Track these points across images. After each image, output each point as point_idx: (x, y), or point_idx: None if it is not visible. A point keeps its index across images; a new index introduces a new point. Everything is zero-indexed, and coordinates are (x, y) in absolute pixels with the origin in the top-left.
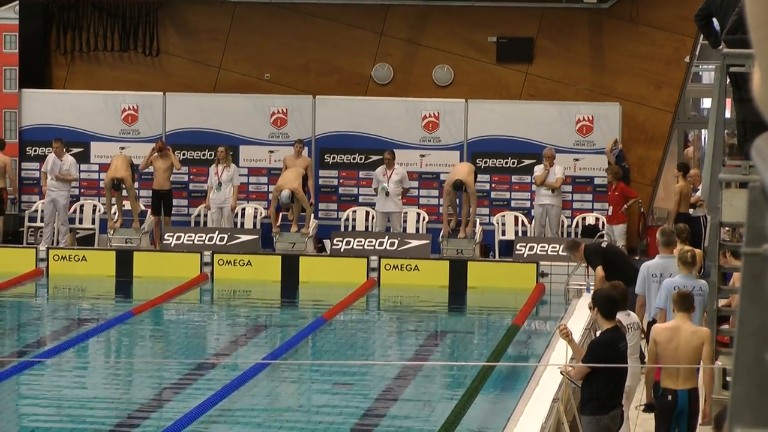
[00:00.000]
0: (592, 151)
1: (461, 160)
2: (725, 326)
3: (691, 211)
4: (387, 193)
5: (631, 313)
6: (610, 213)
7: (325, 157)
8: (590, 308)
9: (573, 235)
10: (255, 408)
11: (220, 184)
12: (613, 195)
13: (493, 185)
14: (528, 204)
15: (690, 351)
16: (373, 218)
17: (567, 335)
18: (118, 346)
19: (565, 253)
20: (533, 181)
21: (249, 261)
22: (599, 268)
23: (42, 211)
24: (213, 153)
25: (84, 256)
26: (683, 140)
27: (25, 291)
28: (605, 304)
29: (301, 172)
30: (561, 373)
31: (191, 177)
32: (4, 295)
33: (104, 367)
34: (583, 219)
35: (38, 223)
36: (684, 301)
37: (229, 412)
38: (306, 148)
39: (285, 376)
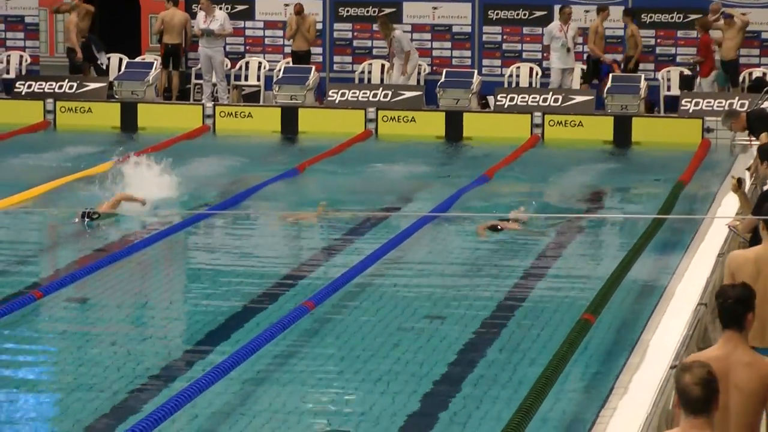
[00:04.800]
0: (760, 6)
1: (626, 15)
2: None
3: None
4: (568, 50)
5: None
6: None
7: (489, 13)
8: (749, 169)
9: (741, 90)
10: (420, 260)
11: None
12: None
13: (658, 40)
14: None
15: None
16: (536, 74)
17: (739, 187)
18: (283, 201)
19: (724, 125)
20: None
21: (413, 117)
22: (764, 135)
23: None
24: (377, 10)
25: (249, 113)
26: None
27: (193, 146)
28: None
29: None
30: (728, 227)
31: (355, 34)
32: (172, 152)
33: (272, 221)
34: (750, 74)
35: (203, 81)
36: None
37: (395, 265)
38: None
39: (449, 230)
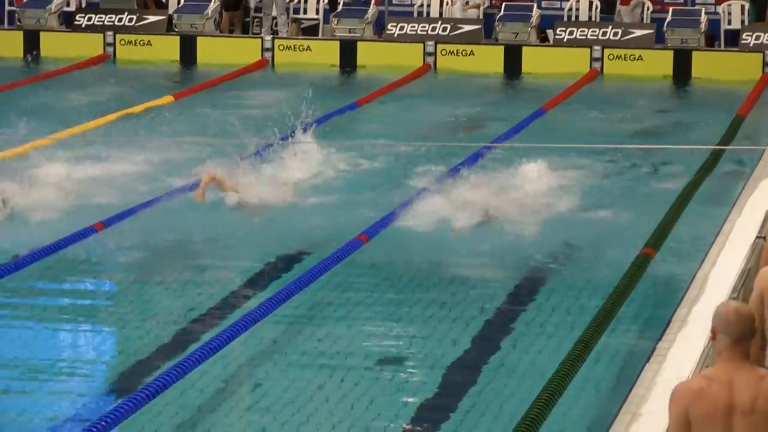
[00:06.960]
0: None
1: None
2: None
3: None
4: None
5: None
6: None
7: None
8: None
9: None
10: (475, 194)
11: None
12: None
13: None
14: None
15: None
16: (596, 8)
17: None
18: (341, 134)
19: None
20: None
21: (471, 51)
22: None
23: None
24: None
25: (308, 46)
26: None
27: (252, 80)
28: None
29: None
30: None
31: None
32: (231, 85)
33: (330, 152)
34: None
35: (262, 14)
36: None
37: (451, 198)
38: None
39: (505, 163)
